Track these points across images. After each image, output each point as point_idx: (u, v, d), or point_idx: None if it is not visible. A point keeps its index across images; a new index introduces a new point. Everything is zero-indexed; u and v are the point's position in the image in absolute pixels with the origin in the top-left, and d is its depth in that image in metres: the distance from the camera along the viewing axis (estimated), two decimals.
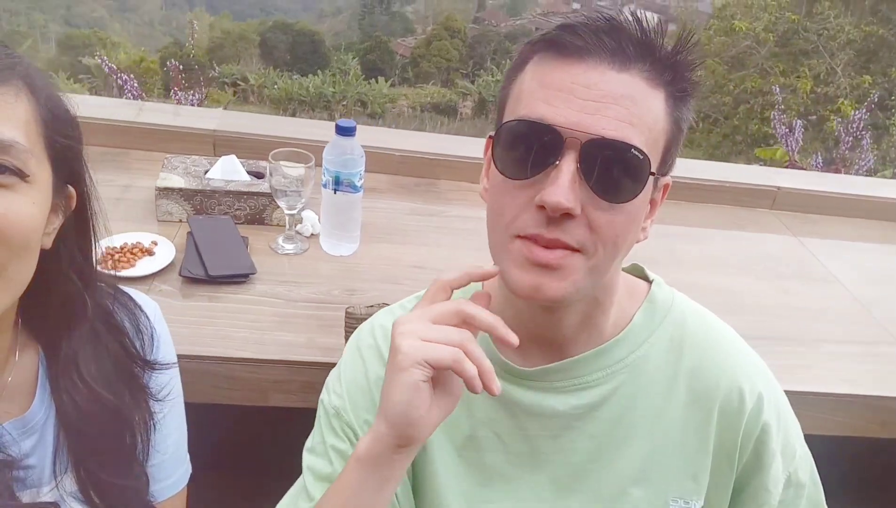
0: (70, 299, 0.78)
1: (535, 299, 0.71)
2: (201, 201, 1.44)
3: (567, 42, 0.69)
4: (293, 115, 15.44)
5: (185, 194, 1.43)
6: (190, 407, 1.13)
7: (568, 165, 0.67)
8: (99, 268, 0.83)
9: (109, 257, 1.28)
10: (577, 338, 0.81)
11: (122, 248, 1.31)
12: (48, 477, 0.80)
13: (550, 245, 0.69)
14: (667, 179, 0.78)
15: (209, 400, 1.17)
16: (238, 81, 19.02)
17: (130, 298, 0.89)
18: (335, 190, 1.35)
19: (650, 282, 0.87)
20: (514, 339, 0.68)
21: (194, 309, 1.24)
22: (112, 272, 1.23)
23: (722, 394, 0.81)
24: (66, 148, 0.71)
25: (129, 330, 0.86)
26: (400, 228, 1.55)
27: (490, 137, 0.74)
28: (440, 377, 0.70)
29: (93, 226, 0.80)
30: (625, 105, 0.68)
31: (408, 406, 0.68)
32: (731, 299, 1.50)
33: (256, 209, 1.47)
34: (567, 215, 0.68)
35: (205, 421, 1.20)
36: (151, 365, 0.88)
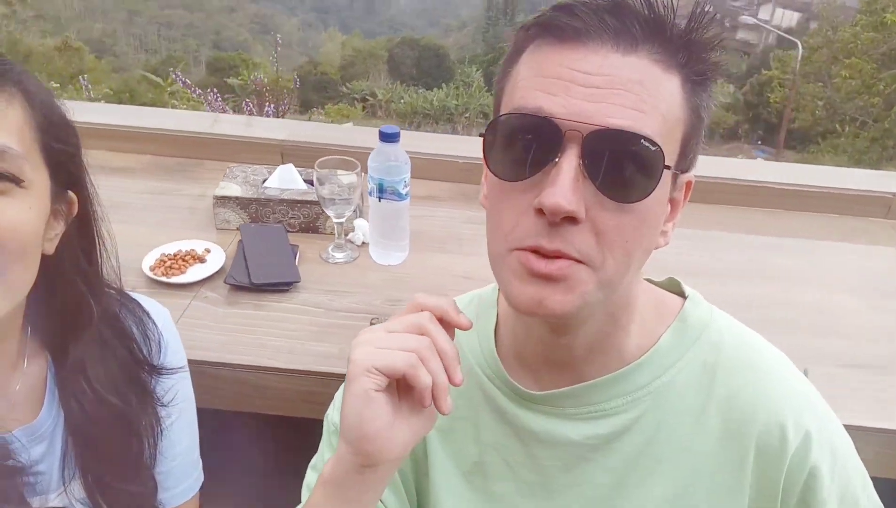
0: (76, 305, 0.78)
1: (537, 315, 0.64)
2: (257, 209, 1.45)
3: (564, 24, 0.61)
4: (417, 128, 15.75)
5: (241, 203, 1.45)
6: (219, 415, 1.14)
7: (569, 162, 0.59)
8: (106, 274, 0.84)
9: (162, 263, 1.31)
10: (592, 360, 0.72)
11: (175, 255, 1.34)
12: (56, 483, 0.81)
13: (552, 257, 0.61)
14: (689, 176, 0.68)
15: (239, 408, 1.17)
16: (367, 97, 19.73)
17: (138, 304, 0.89)
18: (379, 198, 1.32)
19: (685, 298, 0.76)
20: (464, 321, 0.64)
21: (236, 317, 1.24)
22: (164, 278, 1.27)
23: (759, 428, 0.69)
24: (62, 153, 0.71)
25: (136, 336, 0.87)
26: (454, 237, 1.50)
27: (481, 135, 0.67)
28: (408, 391, 0.64)
29: (96, 231, 0.80)
30: (633, 91, 0.59)
31: (360, 419, 0.63)
32: (824, 320, 1.32)
33: (310, 218, 1.46)
34: (570, 220, 0.60)
35: (235, 429, 1.20)
36: (158, 370, 0.87)
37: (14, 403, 0.79)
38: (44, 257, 0.73)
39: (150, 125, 1.77)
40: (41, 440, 0.80)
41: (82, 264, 0.79)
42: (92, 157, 1.82)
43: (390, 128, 1.28)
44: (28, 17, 20.87)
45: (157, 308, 0.92)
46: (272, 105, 2.83)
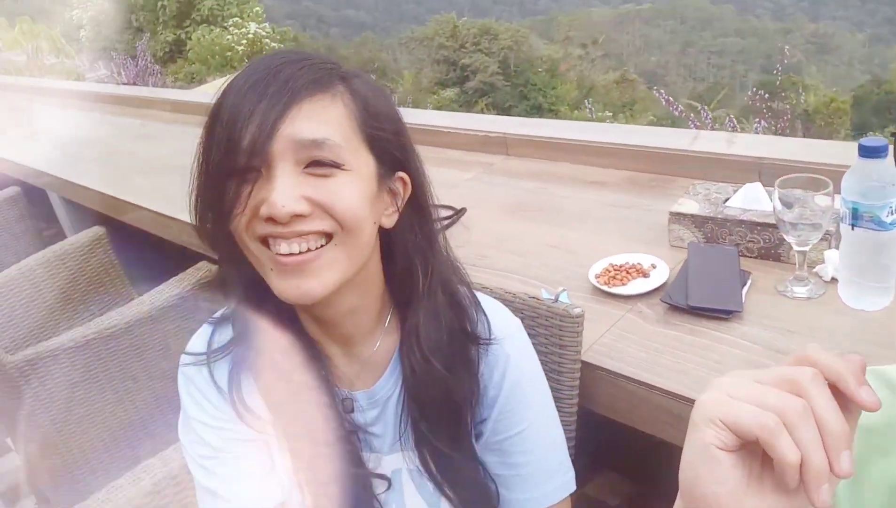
0: (412, 275, 0.85)
1: None
2: (712, 228, 1.36)
3: None
4: None
5: (696, 221, 1.38)
6: (635, 434, 1.11)
7: None
8: (449, 254, 0.90)
9: (607, 272, 1.35)
10: None
11: (621, 266, 1.36)
12: (390, 447, 0.90)
13: None
14: None
15: (652, 431, 1.11)
16: None
17: (477, 303, 0.92)
18: (853, 226, 1.09)
19: None
20: (868, 397, 0.46)
21: (665, 337, 1.19)
22: (604, 287, 1.30)
23: None
24: (383, 139, 0.79)
25: (470, 314, 0.90)
26: None
27: None
28: (767, 459, 0.51)
29: (429, 210, 0.86)
30: None
31: (696, 477, 0.51)
32: None
33: (771, 243, 1.30)
34: None
35: (648, 452, 1.15)
36: (486, 341, 0.89)
37: (363, 368, 0.89)
38: (385, 231, 0.82)
39: (629, 141, 1.83)
40: (376, 405, 0.89)
41: (418, 240, 0.85)
42: (567, 169, 1.97)
43: (875, 141, 1.04)
44: (597, 56, 23.76)
45: (506, 318, 0.95)
46: (761, 122, 2.58)
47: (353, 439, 0.86)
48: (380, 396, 0.89)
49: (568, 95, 19.35)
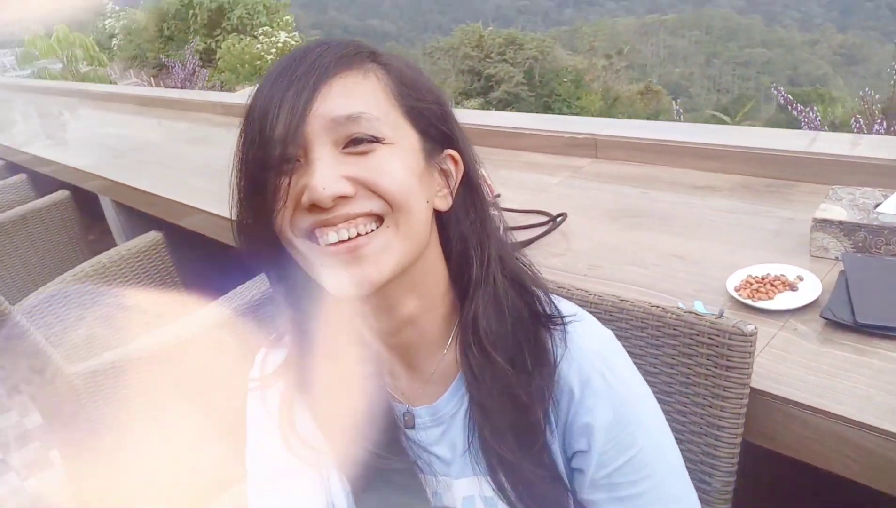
0: (468, 259, 0.77)
1: None
2: (864, 237, 1.22)
3: None
4: None
5: (845, 229, 1.24)
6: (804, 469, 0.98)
7: None
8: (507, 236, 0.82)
9: (748, 285, 1.21)
10: None
11: (763, 278, 1.22)
12: (460, 469, 0.80)
13: None
14: None
15: (826, 465, 0.97)
16: None
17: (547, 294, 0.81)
18: None
19: None
20: None
21: (832, 357, 1.05)
22: (749, 301, 1.17)
23: None
24: (424, 112, 0.73)
25: (540, 296, 0.80)
26: None
27: None
28: None
29: (481, 191, 0.79)
30: None
31: None
32: None
33: None
34: None
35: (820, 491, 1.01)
36: (555, 320, 0.78)
37: (428, 382, 0.81)
38: (441, 214, 0.76)
39: (740, 143, 1.69)
40: (440, 422, 0.81)
41: (472, 219, 0.78)
42: (668, 173, 1.84)
43: None
44: (622, 66, 23.67)
45: (596, 329, 0.82)
46: (883, 123, 2.44)
47: (413, 462, 0.79)
48: (444, 412, 0.80)
49: (592, 106, 19.20)
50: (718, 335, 0.96)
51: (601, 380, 0.76)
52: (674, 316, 1.00)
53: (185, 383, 1.69)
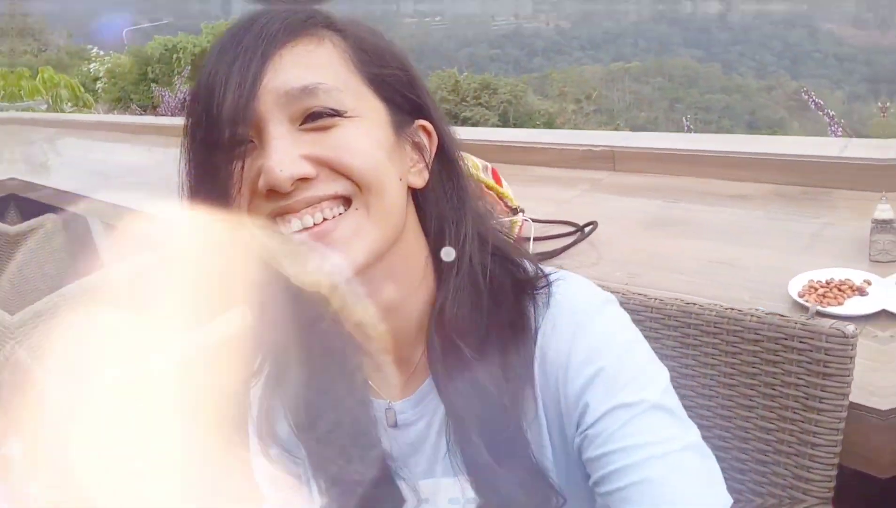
0: (441, 243, 0.69)
1: None
2: None
3: None
4: None
5: None
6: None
7: None
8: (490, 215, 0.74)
9: (812, 290, 1.10)
10: None
11: (827, 283, 1.12)
12: (446, 468, 0.71)
13: None
14: None
15: None
16: None
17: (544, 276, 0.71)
18: None
19: None
20: None
21: None
22: (816, 306, 1.05)
23: None
24: (389, 79, 0.66)
25: (527, 267, 0.72)
26: None
27: None
28: None
29: (458, 164, 0.71)
30: None
31: None
32: None
33: None
34: None
35: None
36: (538, 284, 0.69)
37: (413, 374, 0.73)
38: (418, 191, 0.68)
39: (770, 151, 1.61)
40: (422, 415, 0.73)
41: (448, 193, 0.70)
42: (694, 183, 1.75)
43: None
44: (590, 110, 24.18)
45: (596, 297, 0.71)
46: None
47: (395, 473, 0.72)
48: (426, 401, 0.72)
49: None
50: (812, 339, 0.84)
51: (582, 334, 0.67)
52: (755, 319, 0.88)
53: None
